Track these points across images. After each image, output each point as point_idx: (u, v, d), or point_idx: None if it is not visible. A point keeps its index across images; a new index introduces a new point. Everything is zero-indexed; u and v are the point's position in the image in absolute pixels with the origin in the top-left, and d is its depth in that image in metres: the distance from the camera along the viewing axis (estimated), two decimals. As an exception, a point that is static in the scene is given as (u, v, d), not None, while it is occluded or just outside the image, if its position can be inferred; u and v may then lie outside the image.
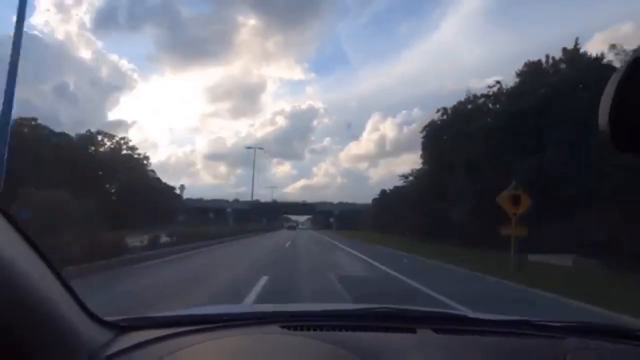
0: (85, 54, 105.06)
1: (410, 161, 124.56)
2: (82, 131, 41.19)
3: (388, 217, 41.66)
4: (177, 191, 55.68)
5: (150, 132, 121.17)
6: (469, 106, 25.82)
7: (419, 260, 16.36)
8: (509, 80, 24.04)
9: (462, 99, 26.54)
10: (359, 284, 9.07)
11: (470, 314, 1.51)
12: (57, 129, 38.02)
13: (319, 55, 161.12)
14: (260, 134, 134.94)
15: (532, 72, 22.61)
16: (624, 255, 12.56)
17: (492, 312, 1.56)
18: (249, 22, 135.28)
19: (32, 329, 0.69)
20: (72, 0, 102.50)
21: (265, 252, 17.38)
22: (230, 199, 76.34)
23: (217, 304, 4.25)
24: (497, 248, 15.34)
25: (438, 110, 27.60)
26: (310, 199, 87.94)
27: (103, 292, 6.61)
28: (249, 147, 63.99)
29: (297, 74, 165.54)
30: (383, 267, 12.73)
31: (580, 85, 17.81)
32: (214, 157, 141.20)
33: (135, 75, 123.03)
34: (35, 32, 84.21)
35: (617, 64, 17.10)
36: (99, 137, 41.55)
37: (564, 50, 21.79)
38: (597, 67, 17.95)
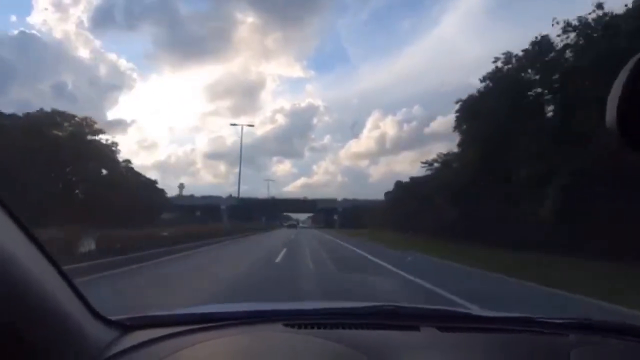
0: (83, 53, 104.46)
1: (411, 159, 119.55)
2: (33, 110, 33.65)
3: (407, 213, 34.47)
4: (177, 189, 49.35)
5: (149, 131, 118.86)
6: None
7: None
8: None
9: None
10: None
11: (474, 311, 1.56)
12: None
13: (318, 53, 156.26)
14: (260, 132, 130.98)
15: None
16: None
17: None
18: (248, 19, 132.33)
19: (35, 326, 0.67)
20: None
21: (225, 285, 10.03)
22: (228, 197, 68.78)
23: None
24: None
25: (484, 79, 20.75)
26: (310, 197, 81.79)
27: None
28: (233, 124, 58.83)
29: (296, 71, 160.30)
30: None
31: None
32: (213, 155, 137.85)
33: (134, 74, 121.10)
34: (34, 32, 79.78)
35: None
36: (58, 119, 34.03)
37: None
38: None
